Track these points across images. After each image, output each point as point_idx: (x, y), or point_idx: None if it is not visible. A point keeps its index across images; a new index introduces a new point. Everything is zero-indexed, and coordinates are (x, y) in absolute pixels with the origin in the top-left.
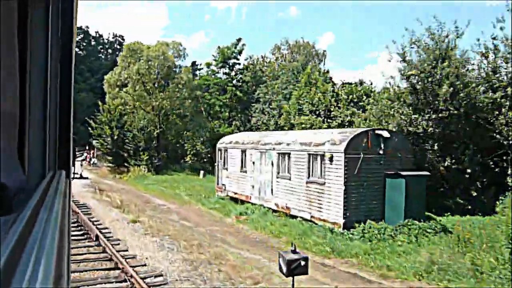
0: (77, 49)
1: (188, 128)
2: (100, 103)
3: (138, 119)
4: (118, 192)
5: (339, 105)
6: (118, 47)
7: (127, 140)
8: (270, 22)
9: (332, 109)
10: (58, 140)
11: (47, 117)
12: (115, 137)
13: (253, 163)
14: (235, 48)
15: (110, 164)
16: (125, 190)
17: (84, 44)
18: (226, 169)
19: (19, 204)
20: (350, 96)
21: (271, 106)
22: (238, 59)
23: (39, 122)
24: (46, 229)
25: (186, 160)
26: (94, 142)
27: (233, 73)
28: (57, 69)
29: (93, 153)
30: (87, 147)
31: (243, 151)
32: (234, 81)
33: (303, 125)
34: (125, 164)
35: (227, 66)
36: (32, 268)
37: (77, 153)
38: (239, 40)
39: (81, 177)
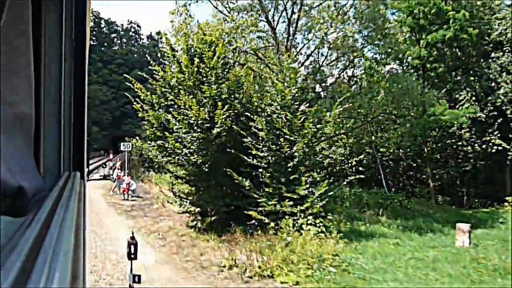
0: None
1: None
2: (162, 34)
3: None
4: None
5: None
6: (134, 35)
7: (250, 141)
8: None
9: None
10: (72, 141)
11: (61, 118)
12: (219, 129)
13: None
14: None
15: (192, 207)
16: None
17: (95, 31)
18: None
19: (35, 205)
20: None
21: None
22: None
23: (53, 123)
24: (62, 230)
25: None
26: (124, 145)
27: None
28: (71, 70)
29: (121, 164)
30: (110, 155)
31: None
32: None
33: None
34: (246, 209)
35: None
36: (48, 269)
37: (91, 161)
38: None
39: None
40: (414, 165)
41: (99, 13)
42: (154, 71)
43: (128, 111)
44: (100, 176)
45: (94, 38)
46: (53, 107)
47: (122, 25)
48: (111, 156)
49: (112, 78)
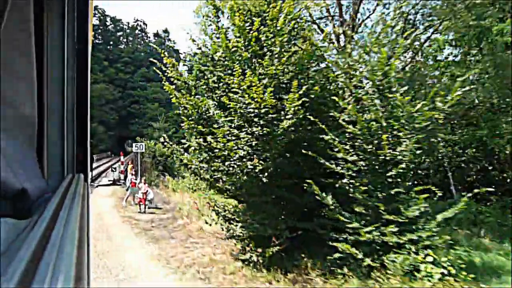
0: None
1: None
2: None
3: None
4: None
5: None
6: (140, 33)
7: (332, 138)
8: None
9: None
10: (75, 143)
11: (64, 121)
12: (291, 121)
13: None
14: None
15: (243, 231)
16: None
17: (100, 29)
18: None
19: (39, 207)
20: None
21: None
22: None
23: (56, 125)
24: (66, 232)
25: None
26: (136, 146)
27: None
28: (73, 71)
29: (132, 167)
30: (121, 158)
31: None
32: None
33: None
34: (318, 234)
35: None
36: (52, 271)
37: (97, 164)
38: None
39: None
40: (490, 167)
41: (104, 11)
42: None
43: (135, 111)
44: (109, 181)
45: (100, 36)
46: (56, 108)
47: (128, 23)
48: (121, 158)
49: (118, 77)
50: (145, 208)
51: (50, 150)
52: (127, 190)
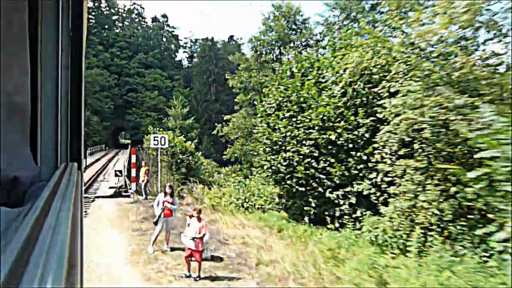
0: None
1: None
2: None
3: None
4: None
5: None
6: (137, 17)
7: None
8: None
9: None
10: (69, 132)
11: (58, 109)
12: None
13: None
14: None
15: None
16: None
17: (95, 12)
18: None
19: (32, 196)
20: None
21: None
22: None
23: (51, 114)
24: (59, 219)
25: None
26: (155, 140)
27: None
28: (67, 61)
29: (147, 171)
30: (132, 156)
31: None
32: None
33: None
34: None
35: None
36: (45, 258)
37: (92, 160)
38: None
39: None
40: None
41: None
42: None
43: (132, 100)
44: (111, 188)
45: (93, 19)
46: (50, 98)
47: (125, 6)
48: (133, 158)
49: (113, 63)
50: (199, 269)
51: (43, 138)
52: (155, 223)
